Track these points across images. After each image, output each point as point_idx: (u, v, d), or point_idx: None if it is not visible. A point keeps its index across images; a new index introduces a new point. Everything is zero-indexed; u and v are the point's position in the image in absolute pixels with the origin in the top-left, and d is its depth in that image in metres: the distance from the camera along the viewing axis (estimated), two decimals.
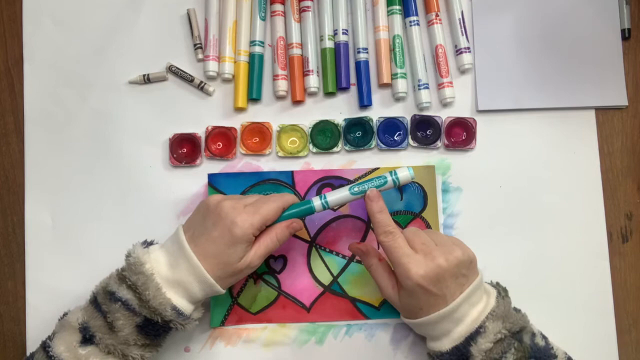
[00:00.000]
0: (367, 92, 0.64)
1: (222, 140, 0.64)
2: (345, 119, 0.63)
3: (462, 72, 0.65)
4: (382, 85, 0.64)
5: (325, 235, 0.62)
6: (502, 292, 0.53)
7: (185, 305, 0.51)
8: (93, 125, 0.64)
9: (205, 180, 0.63)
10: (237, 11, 0.65)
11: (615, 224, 0.63)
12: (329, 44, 0.64)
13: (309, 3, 0.65)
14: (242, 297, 0.61)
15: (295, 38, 0.64)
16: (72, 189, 0.63)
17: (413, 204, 0.62)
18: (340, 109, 0.65)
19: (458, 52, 0.64)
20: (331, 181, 0.63)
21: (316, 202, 0.55)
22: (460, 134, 0.64)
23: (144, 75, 0.64)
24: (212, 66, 0.64)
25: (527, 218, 0.62)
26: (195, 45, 0.65)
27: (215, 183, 0.63)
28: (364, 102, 0.63)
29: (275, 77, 0.64)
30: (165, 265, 0.51)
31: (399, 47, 0.64)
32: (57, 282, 0.62)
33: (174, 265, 0.51)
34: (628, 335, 0.61)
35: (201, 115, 0.64)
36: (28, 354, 0.60)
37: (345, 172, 0.63)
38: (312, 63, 0.64)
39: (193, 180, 0.63)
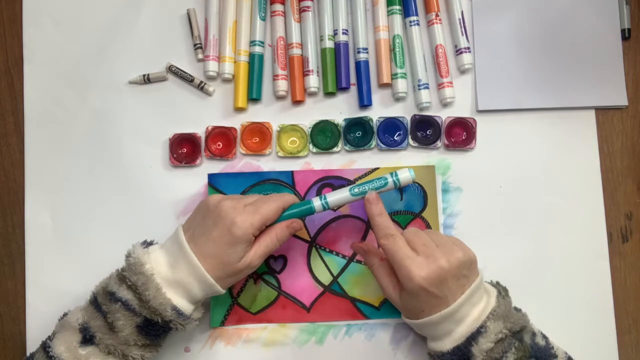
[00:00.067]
0: (367, 92, 0.64)
1: (222, 140, 0.64)
2: (345, 119, 0.63)
3: (462, 72, 0.65)
4: (382, 85, 0.64)
5: (325, 235, 0.62)
6: (502, 292, 0.53)
7: (185, 306, 0.51)
8: (93, 125, 0.64)
9: (205, 180, 0.63)
10: (237, 11, 0.65)
11: (615, 224, 0.63)
12: (329, 44, 0.64)
13: (309, 3, 0.65)
14: (242, 297, 0.61)
15: (295, 38, 0.64)
16: (72, 189, 0.63)
17: (413, 204, 0.62)
18: (340, 109, 0.65)
19: (458, 52, 0.64)
20: (331, 181, 0.63)
21: (316, 202, 0.55)
22: (460, 134, 0.64)
23: (144, 75, 0.64)
24: (212, 66, 0.64)
25: (527, 218, 0.62)
26: (195, 45, 0.65)
27: (215, 183, 0.63)
28: (364, 102, 0.63)
29: (275, 77, 0.64)
30: (165, 265, 0.51)
31: (399, 47, 0.64)
32: (57, 282, 0.62)
33: (174, 265, 0.51)
34: (628, 335, 0.61)
35: (201, 115, 0.64)
36: (28, 354, 0.60)
37: (345, 172, 0.63)
38: (312, 63, 0.64)
39: (193, 180, 0.63)
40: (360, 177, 0.63)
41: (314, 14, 0.65)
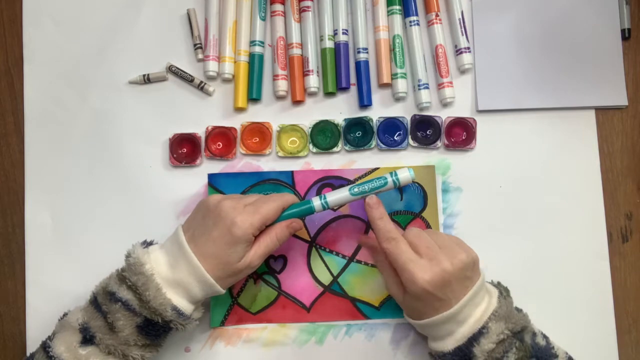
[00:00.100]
0: (367, 92, 0.64)
1: (222, 140, 0.64)
2: (345, 119, 0.63)
3: (462, 72, 0.65)
4: (382, 85, 0.64)
5: (325, 235, 0.62)
6: (503, 292, 0.53)
7: (185, 306, 0.51)
8: (93, 125, 0.64)
9: (205, 180, 0.63)
10: (237, 11, 0.65)
11: (615, 224, 0.63)
12: (329, 44, 0.64)
13: (309, 3, 0.65)
14: (242, 297, 0.61)
15: (295, 38, 0.64)
16: (72, 189, 0.63)
17: (413, 204, 0.62)
18: (340, 109, 0.65)
19: (458, 52, 0.64)
20: (331, 181, 0.63)
21: (316, 202, 0.55)
22: (460, 134, 0.64)
23: (144, 75, 0.64)
24: (212, 66, 0.64)
25: (527, 218, 0.62)
26: (195, 45, 0.65)
27: (215, 183, 0.63)
28: (364, 102, 0.63)
29: (275, 77, 0.64)
30: (165, 265, 0.51)
31: (399, 47, 0.64)
32: (57, 282, 0.62)
33: (174, 265, 0.51)
34: (628, 335, 0.61)
35: (201, 115, 0.64)
36: (28, 354, 0.60)
37: (345, 172, 0.63)
38: (312, 63, 0.64)
39: (193, 180, 0.63)
40: (360, 177, 0.63)
41: (314, 14, 0.65)
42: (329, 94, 0.65)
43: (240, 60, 0.64)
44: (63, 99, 0.64)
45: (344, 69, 0.64)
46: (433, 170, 0.63)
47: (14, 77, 0.65)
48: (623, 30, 0.65)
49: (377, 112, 0.64)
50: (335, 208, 0.62)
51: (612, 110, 0.65)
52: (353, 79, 0.65)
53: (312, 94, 0.65)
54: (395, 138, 0.63)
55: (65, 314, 0.54)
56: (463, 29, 0.64)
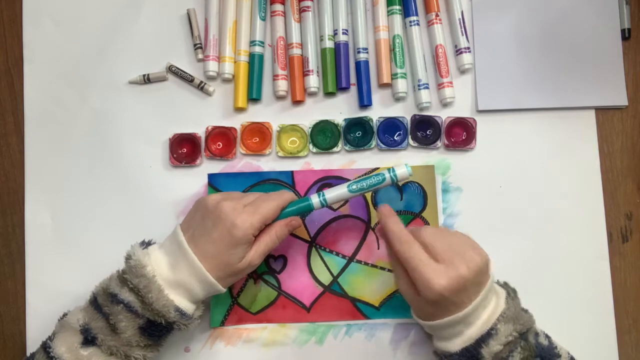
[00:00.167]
0: (367, 92, 0.64)
1: (222, 140, 0.64)
2: (345, 119, 0.63)
3: (462, 72, 0.65)
4: (382, 85, 0.64)
5: (325, 235, 0.62)
6: (511, 293, 0.52)
7: (187, 306, 0.51)
8: (93, 125, 0.64)
9: (205, 180, 0.63)
10: (237, 11, 0.65)
11: (615, 224, 0.63)
12: (329, 44, 0.64)
13: (309, 3, 0.65)
14: (242, 297, 0.61)
15: (295, 38, 0.64)
16: (72, 189, 0.63)
17: (413, 203, 0.62)
18: (340, 109, 0.65)
19: (458, 52, 0.64)
20: (331, 181, 0.63)
21: (314, 199, 0.55)
22: (460, 134, 0.64)
23: (144, 75, 0.64)
24: (212, 66, 0.64)
25: (527, 218, 0.62)
26: (195, 45, 0.65)
27: (215, 183, 0.63)
28: (364, 102, 0.63)
29: (275, 77, 0.64)
30: (165, 266, 0.51)
31: (399, 47, 0.64)
32: (57, 282, 0.62)
33: (174, 266, 0.51)
34: (628, 335, 0.61)
35: (201, 115, 0.64)
36: (28, 354, 0.60)
37: (345, 172, 0.63)
38: (312, 63, 0.64)
39: (193, 180, 0.63)
40: (360, 177, 0.63)
41: (314, 14, 0.65)
42: (329, 94, 0.65)
43: (240, 60, 0.64)
44: (63, 99, 0.64)
45: (344, 69, 0.64)
46: (432, 170, 0.63)
47: (14, 77, 0.65)
48: (623, 30, 0.65)
49: (377, 112, 0.64)
50: (334, 206, 0.62)
51: (612, 110, 0.65)
52: (353, 79, 0.65)
53: (312, 94, 0.65)
54: (395, 138, 0.63)
55: (65, 314, 0.54)
56: (463, 29, 0.64)
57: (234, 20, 0.65)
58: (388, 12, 0.65)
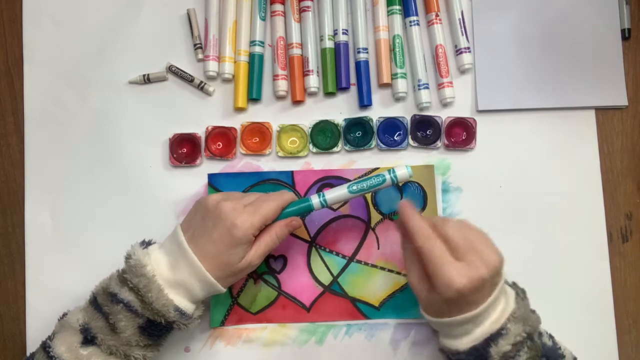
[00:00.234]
0: (367, 92, 0.64)
1: (222, 140, 0.64)
2: (345, 119, 0.63)
3: (462, 72, 0.65)
4: (382, 85, 0.64)
5: (325, 235, 0.62)
6: (520, 294, 0.52)
7: (187, 306, 0.51)
8: (93, 125, 0.64)
9: (205, 180, 0.63)
10: (237, 11, 0.65)
11: (615, 224, 0.63)
12: (329, 44, 0.64)
13: (309, 3, 0.65)
14: (242, 297, 0.61)
15: (295, 38, 0.64)
16: (72, 189, 0.63)
17: (413, 203, 0.62)
18: (340, 109, 0.65)
19: (458, 52, 0.64)
20: (331, 181, 0.63)
21: (314, 200, 0.55)
22: (460, 134, 0.64)
23: (144, 75, 0.64)
24: (212, 66, 0.64)
25: (527, 218, 0.62)
26: (195, 45, 0.65)
27: (215, 183, 0.63)
28: (364, 102, 0.63)
29: (275, 77, 0.64)
30: (165, 266, 0.51)
31: (399, 47, 0.64)
32: (57, 282, 0.62)
33: (174, 266, 0.51)
34: (628, 335, 0.61)
35: (201, 115, 0.64)
36: (28, 354, 0.60)
37: (345, 172, 0.63)
38: (312, 63, 0.64)
39: (193, 180, 0.63)
40: (360, 177, 0.63)
41: (314, 14, 0.65)
42: (329, 94, 0.65)
43: (240, 60, 0.64)
44: (63, 99, 0.64)
45: (344, 69, 0.64)
46: (432, 170, 0.63)
47: (14, 77, 0.65)
48: (623, 30, 0.65)
49: (377, 112, 0.64)
50: (334, 206, 0.62)
51: (612, 110, 0.65)
52: (353, 79, 0.65)
53: (312, 94, 0.65)
54: (395, 138, 0.63)
55: (64, 314, 0.54)
56: (463, 29, 0.64)
57: (234, 20, 0.65)
58: (388, 12, 0.65)
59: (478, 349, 0.48)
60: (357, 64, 0.64)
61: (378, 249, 0.62)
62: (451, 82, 0.64)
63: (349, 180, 0.62)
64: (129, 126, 0.64)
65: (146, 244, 0.54)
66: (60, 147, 0.64)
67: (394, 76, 0.64)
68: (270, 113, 0.65)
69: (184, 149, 0.63)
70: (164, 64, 0.65)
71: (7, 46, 0.65)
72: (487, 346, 0.48)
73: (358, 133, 0.64)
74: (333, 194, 0.55)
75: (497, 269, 0.48)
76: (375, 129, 0.63)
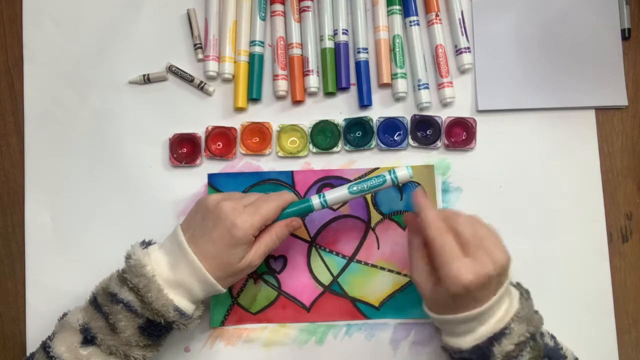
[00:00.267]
0: (367, 92, 0.64)
1: (222, 140, 0.64)
2: (345, 119, 0.63)
3: (462, 72, 0.65)
4: (382, 85, 0.64)
5: (325, 235, 0.62)
6: (524, 294, 0.52)
7: (187, 306, 0.51)
8: (93, 125, 0.64)
9: (205, 180, 0.63)
10: (237, 11, 0.65)
11: (615, 224, 0.63)
12: (329, 44, 0.64)
13: (309, 3, 0.65)
14: (242, 297, 0.61)
15: (295, 38, 0.64)
16: (72, 189, 0.63)
17: (413, 203, 0.62)
18: (340, 109, 0.65)
19: (458, 52, 0.64)
20: (331, 181, 0.63)
21: (315, 200, 0.55)
22: (460, 134, 0.64)
23: (144, 75, 0.64)
24: (212, 66, 0.64)
25: (527, 218, 0.62)
26: (195, 45, 0.65)
27: (215, 183, 0.63)
28: (364, 102, 0.63)
29: (275, 77, 0.64)
30: (165, 266, 0.51)
31: (399, 47, 0.64)
32: (57, 282, 0.62)
33: (174, 266, 0.51)
34: (628, 335, 0.61)
35: (201, 115, 0.64)
36: (28, 354, 0.60)
37: (345, 172, 0.63)
38: (312, 63, 0.64)
39: (193, 180, 0.63)
40: (360, 177, 0.63)
41: (314, 14, 0.65)
42: (329, 94, 0.65)
43: (240, 60, 0.64)
44: (63, 99, 0.64)
45: (344, 69, 0.64)
46: (433, 170, 0.63)
47: (14, 77, 0.65)
48: (623, 30, 0.65)
49: (377, 112, 0.64)
50: (334, 207, 0.62)
51: (612, 110, 0.65)
52: (353, 79, 0.65)
53: (312, 94, 0.65)
54: (395, 138, 0.63)
55: (64, 314, 0.54)
56: (463, 29, 0.64)
57: (234, 20, 0.65)
58: (388, 12, 0.65)
59: (481, 348, 0.48)
60: (357, 64, 0.64)
61: (378, 249, 0.62)
62: (451, 82, 0.64)
63: (349, 181, 0.62)
64: (129, 126, 0.64)
65: (146, 244, 0.54)
66: (60, 147, 0.64)
67: (394, 76, 0.64)
68: (270, 113, 0.65)
69: (184, 149, 0.63)
70: (164, 64, 0.65)
71: (7, 46, 0.65)
72: (491, 345, 0.48)
73: (358, 133, 0.64)
74: (333, 195, 0.55)
75: (504, 268, 0.48)
76: (375, 129, 0.63)
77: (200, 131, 0.63)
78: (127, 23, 0.65)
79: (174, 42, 0.65)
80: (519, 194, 0.63)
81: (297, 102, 0.64)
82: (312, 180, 0.63)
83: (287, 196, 0.55)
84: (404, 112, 0.64)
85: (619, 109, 0.65)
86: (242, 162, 0.64)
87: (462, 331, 0.50)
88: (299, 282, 0.62)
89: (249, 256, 0.52)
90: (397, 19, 0.64)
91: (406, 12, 0.65)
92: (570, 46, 0.65)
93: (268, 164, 0.64)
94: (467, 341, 0.49)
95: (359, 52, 0.64)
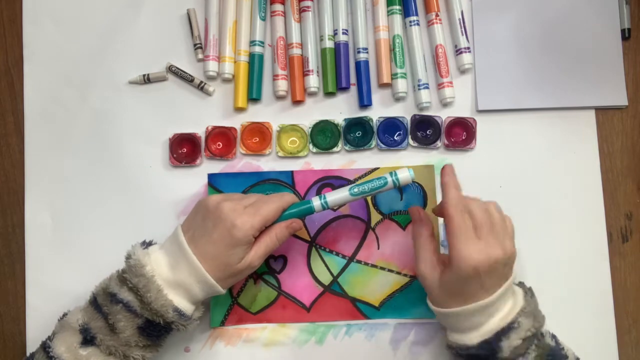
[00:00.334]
0: (367, 92, 0.64)
1: (222, 140, 0.64)
2: (345, 119, 0.63)
3: (462, 72, 0.65)
4: (382, 85, 0.64)
5: (325, 235, 0.62)
6: (528, 292, 0.53)
7: (186, 306, 0.51)
8: (93, 125, 0.64)
9: (205, 180, 0.63)
10: (237, 11, 0.65)
11: (615, 224, 0.63)
12: (329, 44, 0.64)
13: (309, 3, 0.65)
14: (242, 297, 0.61)
15: (295, 38, 0.64)
16: (72, 189, 0.63)
17: (413, 203, 0.62)
18: (340, 109, 0.65)
19: (458, 52, 0.64)
20: (331, 181, 0.63)
21: (316, 202, 0.55)
22: (460, 134, 0.64)
23: (144, 75, 0.64)
24: (212, 66, 0.64)
25: (527, 218, 0.62)
26: (195, 45, 0.65)
27: (215, 183, 0.63)
28: (364, 102, 0.63)
29: (275, 77, 0.64)
30: (165, 266, 0.51)
31: (399, 47, 0.64)
32: (57, 282, 0.62)
33: (174, 266, 0.51)
34: (628, 335, 0.61)
35: (201, 115, 0.64)
36: (28, 354, 0.60)
37: (345, 172, 0.63)
38: (312, 63, 0.64)
39: (193, 180, 0.63)
40: (360, 177, 0.63)
41: (314, 14, 0.65)
42: (329, 94, 0.65)
43: (240, 60, 0.64)
44: (63, 99, 0.64)
45: (344, 69, 0.64)
46: (432, 170, 0.63)
47: (14, 77, 0.65)
48: (623, 30, 0.65)
49: (377, 112, 0.64)
50: (335, 208, 0.62)
51: (612, 110, 0.65)
52: (353, 79, 0.65)
53: (312, 94, 0.65)
54: (395, 138, 0.63)
55: (64, 314, 0.54)
56: (463, 29, 0.64)
57: (234, 20, 0.65)
58: (388, 12, 0.65)
59: (489, 343, 0.49)
60: (357, 64, 0.64)
61: (378, 249, 0.62)
62: (451, 82, 0.64)
63: (349, 181, 0.63)
64: (129, 126, 0.64)
65: (147, 244, 0.54)
66: (60, 147, 0.64)
67: (394, 76, 0.64)
68: (270, 113, 0.65)
69: (184, 149, 0.63)
70: (164, 64, 0.65)
71: (7, 46, 0.65)
72: (499, 340, 0.48)
73: (358, 133, 0.64)
74: (334, 197, 0.55)
75: (511, 256, 0.50)
76: (375, 129, 0.63)
77: (200, 131, 0.63)
78: (127, 23, 0.65)
79: (174, 42, 0.65)
80: (519, 194, 0.63)
81: (297, 102, 0.64)
82: (312, 180, 0.63)
83: (287, 197, 0.55)
84: (404, 112, 0.64)
85: (619, 109, 0.65)
86: (242, 162, 0.64)
87: (469, 326, 0.50)
88: (299, 282, 0.62)
89: (249, 257, 0.52)
90: (397, 19, 0.64)
91: (406, 12, 0.65)
92: (570, 46, 0.65)
93: (268, 164, 0.64)
94: (473, 337, 0.50)
95: (359, 52, 0.64)
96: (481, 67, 0.64)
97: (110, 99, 0.64)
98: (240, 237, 0.50)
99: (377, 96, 0.65)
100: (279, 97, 0.65)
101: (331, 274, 0.62)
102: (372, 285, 0.61)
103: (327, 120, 0.63)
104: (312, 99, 0.65)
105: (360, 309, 0.61)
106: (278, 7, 0.64)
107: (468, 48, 0.64)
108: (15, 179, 0.64)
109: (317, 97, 0.65)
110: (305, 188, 0.63)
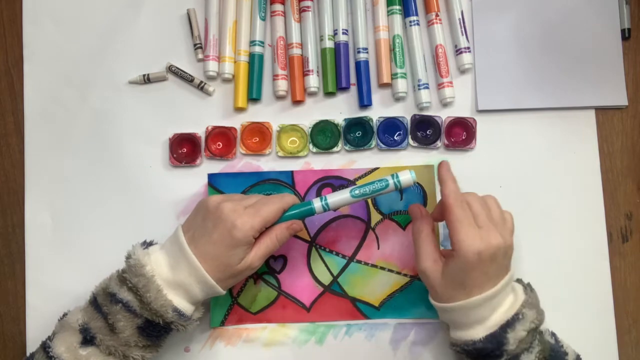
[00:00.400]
0: (367, 92, 0.64)
1: (222, 140, 0.64)
2: (345, 119, 0.63)
3: (462, 72, 0.65)
4: (382, 85, 0.64)
5: (325, 235, 0.62)
6: (527, 287, 0.54)
7: (186, 307, 0.51)
8: (93, 125, 0.64)
9: (205, 180, 0.63)
10: (237, 11, 0.65)
11: (615, 224, 0.63)
12: (329, 44, 0.64)
13: (309, 3, 0.65)
14: (242, 297, 0.61)
15: (295, 38, 0.64)
16: (72, 189, 0.63)
17: (413, 203, 0.62)
18: (340, 109, 0.65)
19: (458, 52, 0.64)
20: (331, 181, 0.63)
21: (316, 203, 0.55)
22: (460, 133, 0.64)
23: (144, 75, 0.64)
24: (212, 66, 0.64)
25: (527, 218, 0.62)
26: (195, 45, 0.65)
27: (215, 183, 0.63)
28: (364, 102, 0.63)
29: (275, 77, 0.64)
30: (165, 266, 0.51)
31: (399, 47, 0.64)
32: (57, 282, 0.62)
33: (174, 266, 0.51)
34: (628, 335, 0.61)
35: (201, 115, 0.64)
36: (28, 354, 0.60)
37: (345, 172, 0.63)
38: (312, 63, 0.64)
39: (193, 180, 0.63)
40: (360, 177, 0.63)
41: (314, 14, 0.65)
42: (329, 94, 0.65)
43: (240, 60, 0.64)
44: (63, 99, 0.64)
45: (344, 69, 0.64)
46: (432, 170, 0.63)
47: (14, 77, 0.65)
48: (623, 30, 0.65)
49: (377, 112, 0.64)
50: (335, 209, 0.62)
51: (612, 110, 0.65)
52: (353, 79, 0.65)
53: (312, 94, 0.65)
54: (395, 138, 0.63)
55: (64, 314, 0.54)
56: (463, 29, 0.64)
57: (234, 20, 0.65)
58: (388, 12, 0.65)
59: (495, 336, 0.49)
60: (357, 64, 0.64)
61: (378, 249, 0.62)
62: (451, 82, 0.64)
63: (349, 180, 0.63)
64: (129, 126, 0.64)
65: (147, 244, 0.54)
66: (60, 147, 0.64)
67: (394, 76, 0.64)
68: (270, 113, 0.65)
69: (184, 149, 0.63)
70: (164, 64, 0.65)
71: (7, 46, 0.65)
72: (504, 332, 0.49)
73: (358, 133, 0.64)
74: (335, 198, 0.55)
75: (509, 246, 0.50)
76: (375, 129, 0.63)
77: (200, 131, 0.63)
78: (127, 23, 0.65)
79: (174, 42, 0.65)
80: (518, 194, 0.63)
81: (297, 102, 0.64)
82: (312, 180, 0.63)
83: (288, 198, 0.55)
84: (404, 112, 0.64)
85: (619, 109, 0.65)
86: (242, 162, 0.64)
87: (473, 320, 0.50)
88: (299, 282, 0.62)
89: (249, 258, 0.52)
90: (397, 18, 0.64)
91: (406, 12, 0.65)
92: (570, 46, 0.64)
93: (268, 163, 0.64)
94: (478, 332, 0.50)
95: (359, 52, 0.64)
96: (481, 67, 0.64)
97: (110, 99, 0.64)
98: (241, 237, 0.50)
99: (377, 96, 0.65)
100: (279, 97, 0.65)
101: (331, 274, 0.62)
102: (372, 285, 0.61)
103: (327, 120, 0.63)
104: (312, 99, 0.65)
105: (360, 309, 0.61)
106: (278, 7, 0.64)
107: (468, 48, 0.64)
108: (15, 179, 0.64)
109: (317, 97, 0.65)
110: (305, 188, 0.63)
